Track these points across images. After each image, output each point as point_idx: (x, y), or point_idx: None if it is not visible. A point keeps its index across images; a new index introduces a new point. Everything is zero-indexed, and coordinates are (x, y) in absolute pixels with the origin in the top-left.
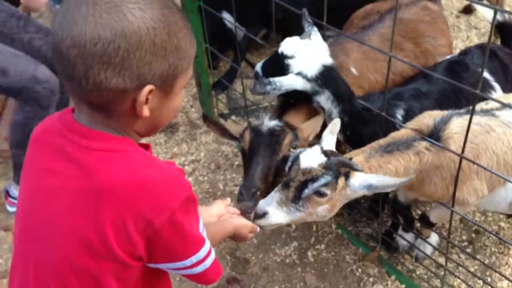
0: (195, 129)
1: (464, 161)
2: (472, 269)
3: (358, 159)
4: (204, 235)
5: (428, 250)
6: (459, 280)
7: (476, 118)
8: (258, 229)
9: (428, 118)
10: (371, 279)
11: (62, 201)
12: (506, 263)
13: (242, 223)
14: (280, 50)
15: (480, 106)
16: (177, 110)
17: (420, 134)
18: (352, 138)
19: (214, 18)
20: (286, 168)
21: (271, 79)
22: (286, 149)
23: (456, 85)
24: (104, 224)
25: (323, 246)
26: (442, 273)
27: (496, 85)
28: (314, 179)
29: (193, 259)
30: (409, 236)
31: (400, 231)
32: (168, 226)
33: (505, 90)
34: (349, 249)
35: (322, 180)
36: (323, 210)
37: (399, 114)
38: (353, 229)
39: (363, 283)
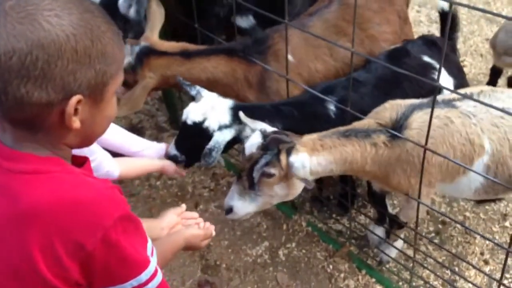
0: (162, 133)
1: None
2: (440, 260)
3: (309, 137)
4: (152, 257)
5: (393, 253)
6: (428, 271)
7: (436, 111)
8: (213, 233)
9: (390, 110)
10: (342, 275)
11: None
12: (473, 252)
13: (193, 233)
14: (189, 121)
15: (442, 97)
16: (111, 118)
17: (383, 126)
18: None
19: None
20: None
21: (208, 147)
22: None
23: (401, 71)
24: (31, 250)
25: (294, 245)
26: (411, 265)
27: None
28: (256, 162)
29: (133, 282)
30: (380, 231)
31: (371, 226)
32: (102, 246)
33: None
34: (319, 246)
35: (262, 161)
36: (280, 189)
37: (331, 107)
38: (323, 226)
39: (334, 279)
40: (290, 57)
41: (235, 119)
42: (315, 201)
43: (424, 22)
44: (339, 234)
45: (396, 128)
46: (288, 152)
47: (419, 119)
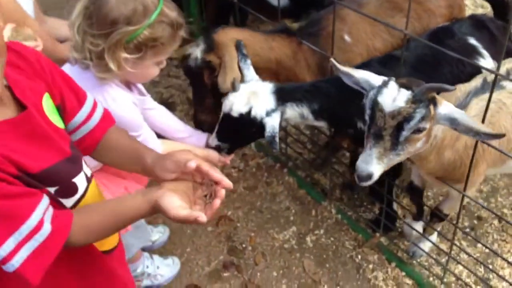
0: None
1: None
2: (474, 256)
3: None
4: (13, 243)
5: (427, 247)
6: (460, 268)
7: (488, 96)
8: (204, 219)
9: (449, 97)
10: (370, 266)
11: None
12: (509, 251)
13: (168, 206)
14: (235, 113)
15: (483, 79)
16: None
17: None
18: (339, 125)
19: None
20: (366, 117)
21: (268, 135)
22: (209, 81)
23: (442, 50)
24: None
25: (322, 232)
26: (443, 260)
27: (484, 52)
28: (408, 118)
29: None
30: (418, 226)
31: (408, 220)
32: None
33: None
34: (348, 235)
35: (418, 116)
36: (421, 144)
37: None
38: (353, 215)
39: (362, 269)
40: (347, 37)
41: (279, 101)
42: (346, 188)
43: (469, 6)
44: (369, 224)
45: None
46: (434, 103)
47: (475, 105)
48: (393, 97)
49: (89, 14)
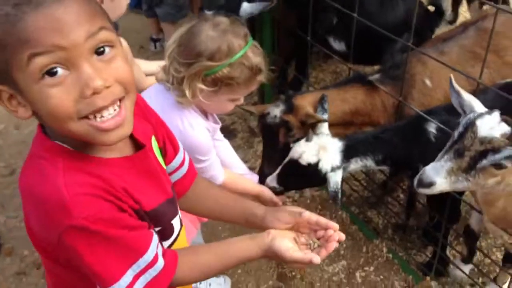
0: (253, 137)
1: None
2: None
3: None
4: (130, 276)
5: None
6: None
7: None
8: (318, 262)
9: None
10: None
11: None
12: None
13: (282, 249)
14: (303, 161)
15: None
16: (55, 109)
17: None
18: (400, 168)
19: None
20: (456, 134)
21: (332, 191)
22: (283, 139)
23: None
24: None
25: (372, 269)
26: None
27: None
28: (495, 150)
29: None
30: (467, 268)
31: (457, 261)
32: (60, 247)
33: None
34: (398, 275)
35: (506, 152)
36: (494, 182)
37: (432, 130)
38: (404, 255)
39: None
40: (427, 81)
41: (345, 158)
42: (398, 229)
43: None
44: (420, 266)
45: None
46: None
47: None
48: (492, 125)
49: (181, 42)
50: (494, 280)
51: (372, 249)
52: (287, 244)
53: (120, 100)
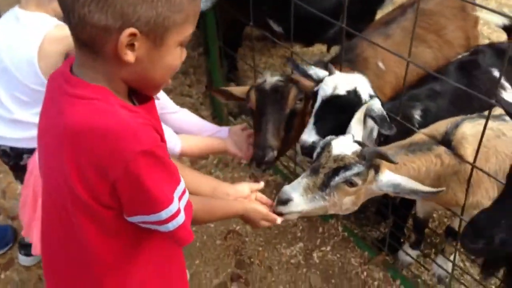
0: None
1: (477, 165)
2: (477, 277)
3: (389, 152)
4: (180, 201)
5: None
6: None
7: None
8: (279, 221)
9: (443, 124)
10: (375, 283)
11: (49, 143)
12: None
13: (256, 208)
14: (341, 91)
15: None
16: (172, 69)
17: (434, 140)
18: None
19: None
20: (315, 154)
21: (378, 116)
22: (292, 102)
23: (468, 87)
24: (67, 165)
25: (328, 248)
26: (447, 280)
27: (506, 84)
28: (346, 167)
29: (153, 217)
30: (414, 253)
31: (405, 247)
32: (123, 178)
33: None
34: (354, 252)
35: (355, 169)
36: (348, 201)
37: (417, 114)
38: (359, 232)
39: (367, 286)
40: (381, 64)
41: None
42: None
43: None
44: (375, 242)
45: (445, 139)
46: (376, 169)
47: (472, 128)
48: (345, 145)
49: None
50: (442, 252)
51: (328, 229)
52: (260, 205)
53: None
